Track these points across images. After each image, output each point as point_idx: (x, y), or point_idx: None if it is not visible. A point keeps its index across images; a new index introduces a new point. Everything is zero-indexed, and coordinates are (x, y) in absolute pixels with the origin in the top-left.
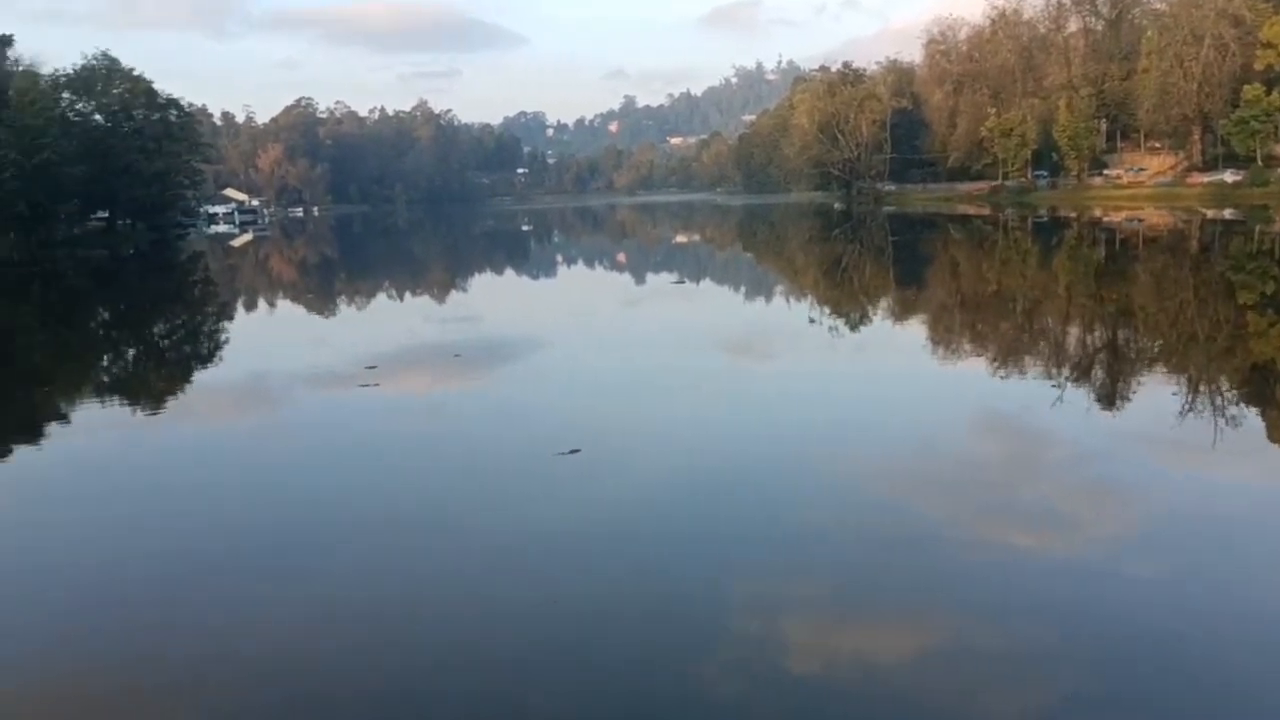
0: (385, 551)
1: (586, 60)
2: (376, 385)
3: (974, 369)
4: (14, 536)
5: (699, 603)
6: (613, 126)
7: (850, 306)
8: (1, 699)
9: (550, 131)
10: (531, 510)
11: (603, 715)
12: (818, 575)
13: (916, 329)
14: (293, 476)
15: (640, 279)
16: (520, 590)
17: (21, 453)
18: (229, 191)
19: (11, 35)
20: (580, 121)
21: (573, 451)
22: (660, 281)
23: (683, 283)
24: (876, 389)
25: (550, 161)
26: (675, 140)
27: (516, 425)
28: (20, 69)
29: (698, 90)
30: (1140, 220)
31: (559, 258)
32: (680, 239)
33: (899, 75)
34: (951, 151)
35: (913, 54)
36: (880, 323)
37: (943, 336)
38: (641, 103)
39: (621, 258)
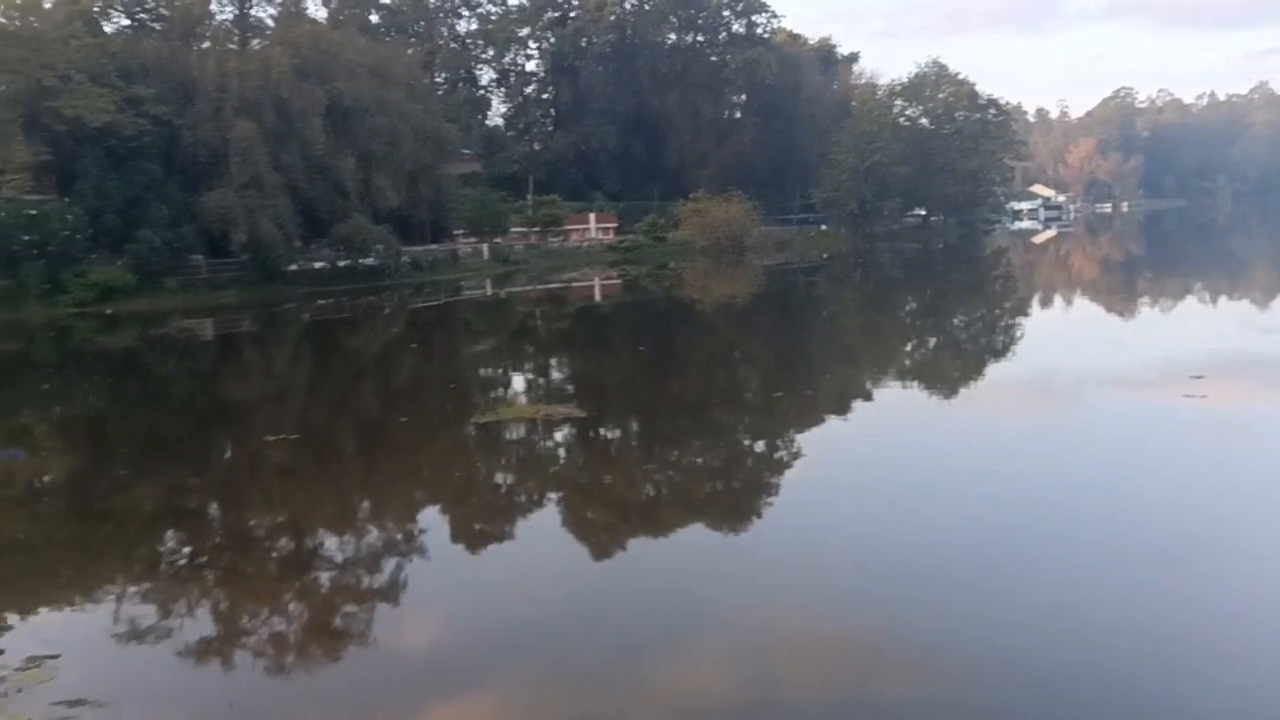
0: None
1: None
2: (1204, 397)
3: None
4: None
5: None
6: None
7: None
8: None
9: None
10: None
11: None
12: None
13: None
14: (1112, 486)
15: None
16: None
17: (831, 423)
18: (1036, 188)
19: (858, 53)
20: None
21: None
22: None
23: None
24: None
25: None
26: None
27: None
28: (862, 81)
29: None
30: None
31: None
32: None
33: None
34: None
35: None
36: None
37: None
38: None
39: None
